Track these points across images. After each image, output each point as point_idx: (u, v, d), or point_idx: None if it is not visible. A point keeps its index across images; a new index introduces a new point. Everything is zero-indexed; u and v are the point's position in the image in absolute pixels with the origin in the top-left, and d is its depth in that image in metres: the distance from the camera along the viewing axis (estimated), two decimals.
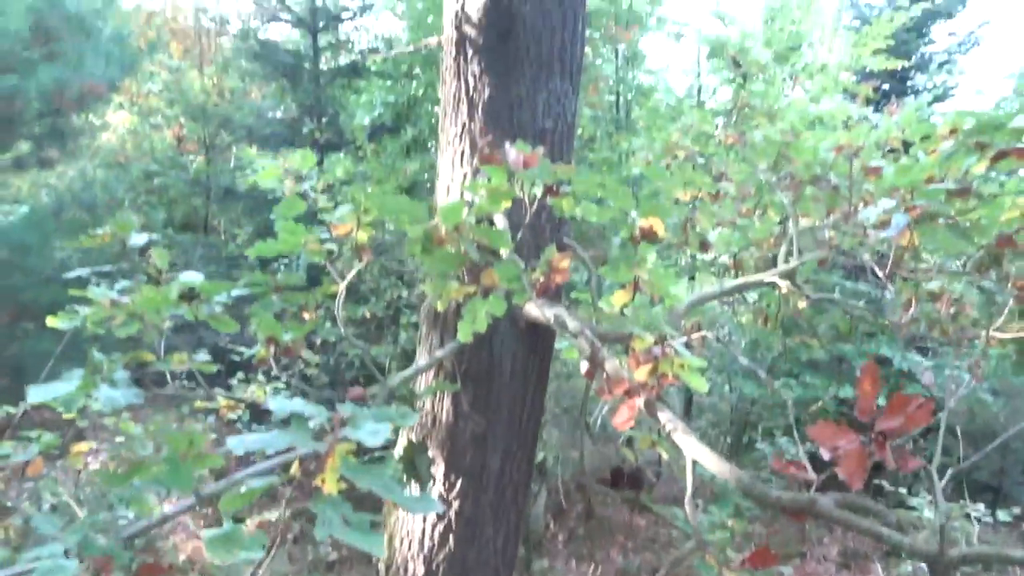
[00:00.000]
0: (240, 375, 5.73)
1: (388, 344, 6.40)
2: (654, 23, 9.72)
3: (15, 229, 6.86)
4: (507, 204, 2.09)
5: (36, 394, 1.95)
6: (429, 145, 9.06)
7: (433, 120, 10.20)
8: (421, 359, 2.95)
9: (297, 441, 1.27)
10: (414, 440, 2.78)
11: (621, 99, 10.14)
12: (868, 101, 10.89)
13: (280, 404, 1.33)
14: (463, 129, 2.65)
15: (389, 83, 10.51)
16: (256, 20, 11.84)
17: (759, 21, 10.60)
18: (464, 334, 2.18)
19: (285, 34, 12.36)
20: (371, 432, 1.32)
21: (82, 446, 3.26)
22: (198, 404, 5.57)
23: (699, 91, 11.65)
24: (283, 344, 2.39)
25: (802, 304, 4.06)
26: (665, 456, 3.48)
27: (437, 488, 2.82)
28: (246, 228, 9.39)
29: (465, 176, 2.65)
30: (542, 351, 2.93)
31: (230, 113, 11.14)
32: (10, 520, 2.22)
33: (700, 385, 2.08)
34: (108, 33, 8.41)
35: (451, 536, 2.87)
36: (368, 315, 6.37)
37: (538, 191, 1.99)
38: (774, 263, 4.15)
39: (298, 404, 1.35)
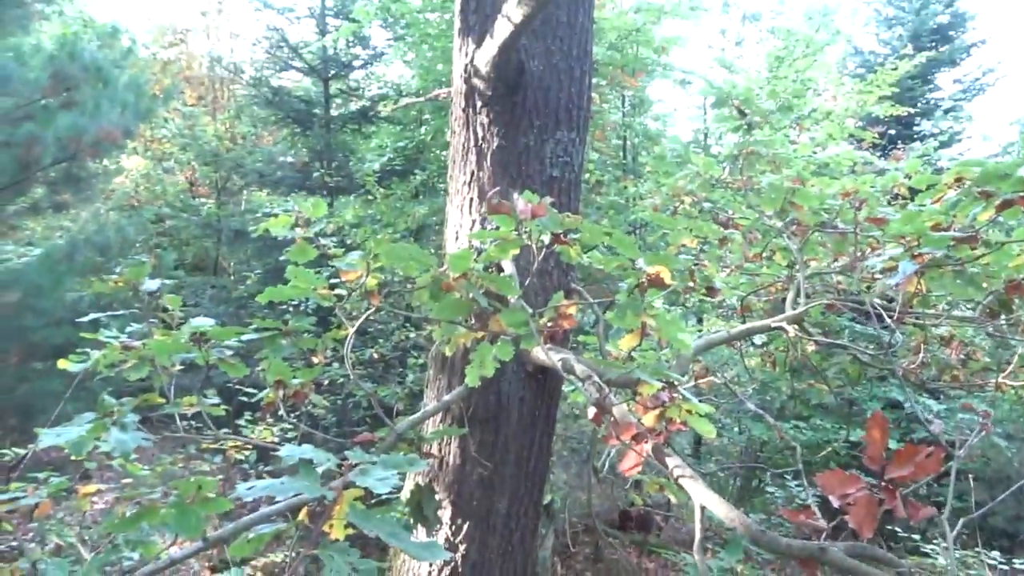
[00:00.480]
0: (247, 415, 5.73)
1: (395, 385, 6.39)
2: (660, 70, 9.87)
3: (29, 271, 6.93)
4: (515, 252, 2.12)
5: (47, 438, 1.98)
6: (438, 188, 9.17)
7: (442, 163, 10.34)
8: (429, 402, 2.96)
9: (305, 488, 1.28)
10: (421, 483, 2.77)
11: (628, 144, 10.25)
12: (875, 146, 10.98)
13: (290, 451, 1.34)
14: (472, 178, 2.69)
15: (398, 128, 10.67)
16: (269, 68, 12.11)
17: (764, 68, 10.76)
18: (472, 379, 2.20)
19: (297, 81, 12.61)
20: (379, 479, 1.33)
21: (89, 488, 3.27)
22: (205, 444, 5.58)
23: (705, 136, 11.78)
24: (292, 388, 2.41)
25: (811, 348, 4.06)
26: (674, 500, 3.45)
27: (444, 531, 2.80)
28: (256, 270, 9.47)
29: (473, 223, 2.69)
30: (549, 395, 2.94)
31: (242, 158, 11.31)
32: (17, 564, 2.21)
33: (708, 431, 2.08)
34: (124, 81, 8.58)
35: None
36: (376, 356, 6.38)
37: (546, 239, 2.02)
38: (782, 307, 4.17)
39: (307, 451, 1.36)
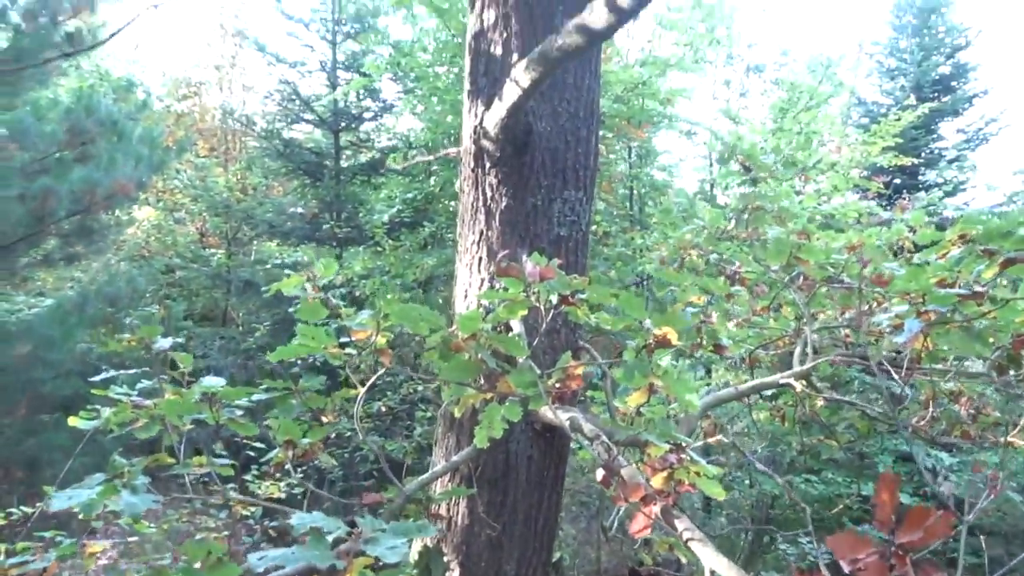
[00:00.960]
0: (254, 470, 5.70)
1: (403, 439, 6.37)
2: (666, 122, 10.01)
3: (40, 323, 6.99)
4: (523, 313, 2.14)
5: (59, 501, 1.98)
6: (446, 239, 9.24)
7: (450, 214, 10.43)
8: (438, 461, 2.95)
9: (316, 557, 1.28)
10: (430, 544, 2.75)
11: (635, 194, 10.35)
12: (880, 196, 11.05)
13: (300, 519, 1.35)
14: (480, 237, 2.73)
15: (407, 180, 10.82)
16: (280, 120, 12.33)
17: (768, 119, 10.91)
18: (481, 440, 2.20)
19: (307, 133, 12.83)
20: (390, 549, 1.33)
21: (95, 547, 3.25)
22: (212, 501, 5.54)
23: (712, 186, 11.88)
24: (301, 448, 2.41)
25: (819, 403, 4.04)
26: (684, 559, 3.41)
27: None
28: (265, 322, 9.51)
29: (482, 282, 2.72)
30: (557, 454, 2.93)
31: (252, 209, 11.46)
32: None
33: (717, 493, 2.07)
34: (138, 134, 8.75)
35: None
36: (384, 409, 6.37)
37: (554, 299, 2.04)
38: (790, 359, 4.16)
39: (317, 518, 1.37)
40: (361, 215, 9.46)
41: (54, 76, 10.01)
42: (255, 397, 2.37)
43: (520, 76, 2.35)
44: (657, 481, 2.11)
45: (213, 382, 2.33)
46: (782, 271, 3.71)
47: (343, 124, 11.28)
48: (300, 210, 11.30)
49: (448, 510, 2.80)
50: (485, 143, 2.65)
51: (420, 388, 6.40)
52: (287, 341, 2.40)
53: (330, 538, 1.36)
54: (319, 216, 10.47)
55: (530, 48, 2.50)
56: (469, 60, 2.87)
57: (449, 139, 9.84)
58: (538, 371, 2.16)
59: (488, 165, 2.68)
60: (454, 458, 2.46)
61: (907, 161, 10.12)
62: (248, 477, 5.50)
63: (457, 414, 2.40)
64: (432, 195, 10.43)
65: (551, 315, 2.40)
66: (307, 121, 11.58)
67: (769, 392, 5.43)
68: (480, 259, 2.73)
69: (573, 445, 3.47)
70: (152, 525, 3.43)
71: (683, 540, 2.06)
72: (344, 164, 11.27)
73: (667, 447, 2.05)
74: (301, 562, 1.26)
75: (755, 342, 4.03)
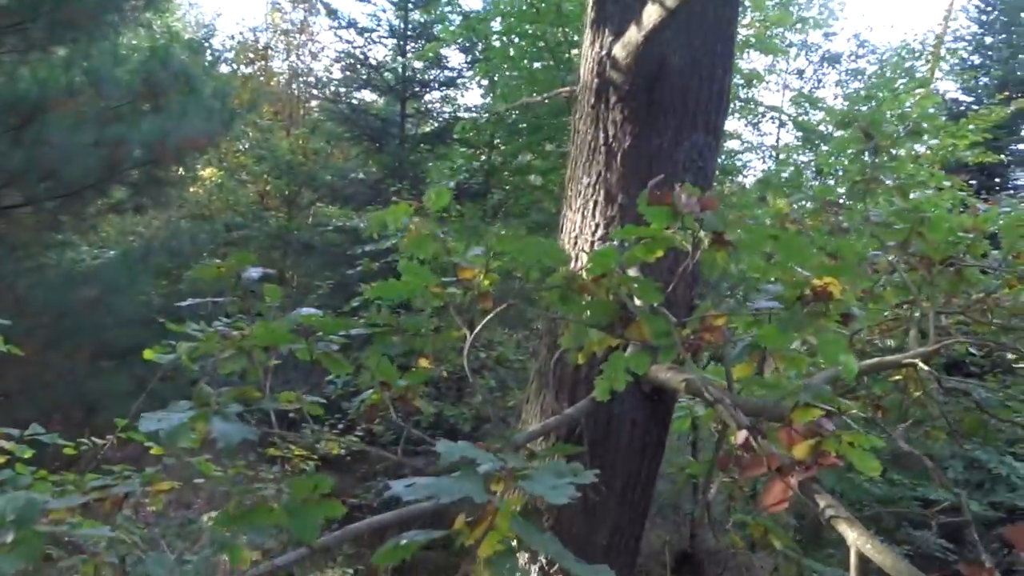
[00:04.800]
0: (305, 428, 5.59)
1: (463, 406, 6.21)
2: (741, 105, 9.68)
3: (107, 269, 6.99)
4: (660, 254, 1.92)
5: (148, 423, 1.82)
6: (511, 211, 9.05)
7: (513, 187, 10.24)
8: (531, 420, 2.75)
9: (471, 491, 1.09)
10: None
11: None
12: (961, 191, 10.53)
13: (448, 447, 1.15)
14: (598, 179, 2.51)
15: (471, 151, 10.66)
16: (346, 86, 12.25)
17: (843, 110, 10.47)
18: (602, 392, 1.99)
19: (372, 100, 12.74)
20: (553, 488, 1.13)
21: (164, 485, 3.13)
22: (271, 451, 5.44)
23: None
24: (398, 390, 2.23)
25: (931, 389, 3.75)
26: (778, 545, 3.16)
27: (539, 561, 2.58)
28: (321, 284, 9.42)
29: (597, 227, 2.50)
30: (661, 421, 2.71)
31: (314, 172, 11.39)
32: (103, 556, 2.08)
33: (873, 467, 1.83)
34: (210, 90, 8.71)
35: None
36: (445, 375, 6.21)
37: (701, 239, 1.81)
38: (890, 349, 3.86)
39: (467, 448, 1.17)
40: (427, 182, 9.29)
41: (130, 29, 10.05)
42: (353, 331, 2.20)
43: None
44: (800, 450, 1.87)
45: (309, 312, 2.16)
46: (897, 249, 3.44)
47: (410, 91, 11.14)
48: (361, 176, 11.20)
49: None
50: (612, 75, 2.42)
51: (483, 355, 6.22)
52: (345, 303, 2.23)
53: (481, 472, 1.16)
54: (381, 182, 10.35)
55: None
56: None
57: (519, 109, 9.65)
58: (673, 319, 1.94)
59: (613, 100, 2.45)
60: (567, 411, 2.26)
61: (995, 158, 9.60)
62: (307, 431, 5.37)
63: (581, 361, 2.19)
64: (494, 167, 10.26)
65: (670, 264, 2.18)
66: (374, 87, 11.47)
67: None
68: (595, 203, 2.51)
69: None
70: (219, 469, 3.30)
71: (825, 517, 1.83)
72: (409, 132, 11.14)
73: (820, 412, 1.82)
74: (455, 494, 1.07)
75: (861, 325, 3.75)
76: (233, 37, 17.79)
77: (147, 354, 2.73)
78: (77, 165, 6.93)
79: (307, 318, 2.13)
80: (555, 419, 2.20)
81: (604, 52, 2.46)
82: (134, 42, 10.96)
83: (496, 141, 10.32)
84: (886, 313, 3.87)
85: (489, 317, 2.07)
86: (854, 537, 1.77)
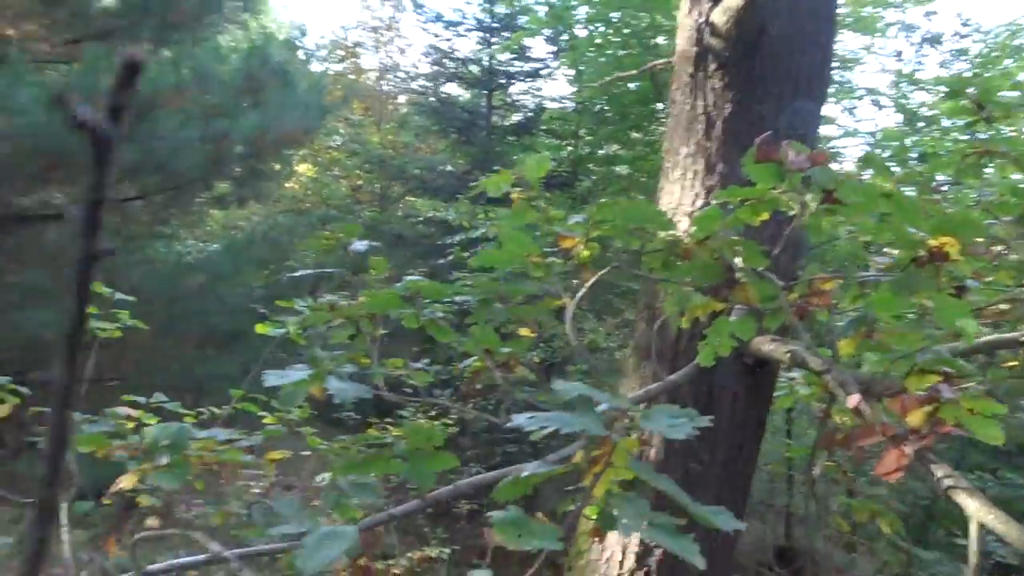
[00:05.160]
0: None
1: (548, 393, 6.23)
2: (837, 88, 9.35)
3: (213, 259, 7.34)
4: (765, 216, 1.90)
5: (272, 378, 1.92)
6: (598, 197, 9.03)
7: (599, 178, 10.22)
8: (630, 393, 2.76)
9: (590, 425, 1.11)
10: None
11: None
12: None
13: (566, 386, 1.18)
14: (697, 149, 2.49)
15: (556, 142, 10.69)
16: (433, 80, 12.46)
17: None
18: (706, 357, 1.99)
19: (458, 95, 12.92)
20: (671, 426, 1.15)
21: (275, 454, 3.28)
22: (371, 431, 5.60)
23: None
24: (500, 357, 2.28)
25: None
26: (886, 530, 3.06)
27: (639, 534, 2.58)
28: (414, 272, 9.62)
29: (696, 197, 2.49)
30: (763, 396, 2.68)
31: (404, 165, 11.64)
32: (229, 506, 2.22)
33: (995, 436, 1.76)
34: (305, 85, 9.02)
35: None
36: (536, 361, 6.26)
37: (807, 202, 1.78)
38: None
39: (582, 387, 1.20)
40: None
41: (229, 29, 10.49)
42: (459, 298, 2.26)
43: None
44: (915, 418, 1.82)
45: (417, 279, 2.23)
46: (1013, 224, 3.27)
47: (496, 84, 11.25)
48: (449, 168, 11.38)
49: (642, 440, 2.61)
50: (712, 41, 2.40)
51: (563, 345, 6.23)
52: None
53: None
54: (469, 174, 10.50)
55: None
56: None
57: (605, 100, 9.61)
58: (780, 283, 1.92)
59: (712, 68, 2.43)
60: (670, 377, 2.26)
61: None
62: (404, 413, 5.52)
63: (684, 325, 2.19)
64: (580, 158, 10.25)
65: (771, 229, 2.15)
66: (461, 79, 11.63)
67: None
68: (695, 172, 2.49)
69: None
70: (326, 443, 3.44)
71: (943, 488, 1.77)
72: (495, 123, 11.26)
73: (938, 377, 1.76)
74: (575, 427, 1.10)
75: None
76: (324, 36, 18.36)
77: (260, 328, 2.87)
78: (185, 159, 7.30)
79: (413, 284, 2.20)
80: (657, 385, 2.20)
81: (703, 19, 2.44)
82: (231, 43, 11.46)
83: (582, 131, 10.33)
84: (1001, 295, 3.69)
85: (593, 281, 2.09)
86: (975, 507, 1.71)
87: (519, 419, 1.12)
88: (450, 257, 7.88)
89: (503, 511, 1.08)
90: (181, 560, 1.36)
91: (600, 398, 1.18)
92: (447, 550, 5.01)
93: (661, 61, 2.88)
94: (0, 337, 6.17)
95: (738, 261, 1.87)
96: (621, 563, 2.64)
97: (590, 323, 6.93)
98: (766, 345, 2.27)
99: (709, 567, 2.60)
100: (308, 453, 3.49)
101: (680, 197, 2.56)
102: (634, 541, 2.62)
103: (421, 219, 9.86)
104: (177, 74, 7.18)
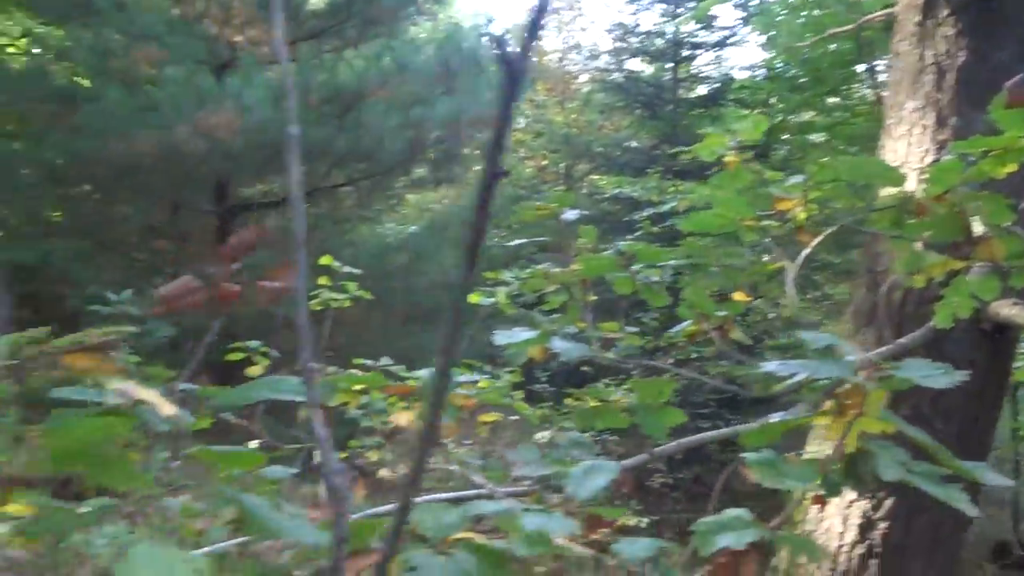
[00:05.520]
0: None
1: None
2: None
3: (416, 237, 7.80)
4: (1013, 167, 1.77)
5: (501, 337, 2.06)
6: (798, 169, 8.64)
7: (790, 148, 9.76)
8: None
9: (842, 370, 1.12)
10: None
11: None
12: None
13: (814, 336, 1.19)
14: (927, 101, 2.35)
15: (747, 112, 10.30)
16: (617, 56, 12.39)
17: None
18: (943, 318, 1.89)
19: (641, 70, 12.77)
20: (927, 375, 1.13)
21: (488, 416, 3.47)
22: (570, 400, 5.75)
23: None
24: (715, 320, 2.29)
25: None
26: None
27: (862, 503, 2.50)
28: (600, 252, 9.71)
29: (926, 152, 2.35)
30: (1001, 366, 2.49)
31: (589, 144, 11.71)
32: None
33: None
34: (493, 71, 9.32)
35: (872, 564, 2.52)
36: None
37: None
38: None
39: (830, 338, 1.20)
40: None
41: (421, 21, 11.02)
42: (672, 262, 2.29)
43: None
44: None
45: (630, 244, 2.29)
46: None
47: (681, 56, 11.02)
48: (635, 144, 11.31)
49: None
50: None
51: (771, 315, 6.04)
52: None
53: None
54: (655, 148, 10.39)
55: None
56: None
57: (799, 66, 9.13)
58: None
59: (944, 14, 2.28)
60: (900, 340, 2.17)
61: None
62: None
63: (919, 285, 2.09)
64: (770, 128, 9.80)
65: None
66: (646, 53, 11.49)
67: None
68: (924, 127, 2.35)
69: None
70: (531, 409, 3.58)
71: None
72: (681, 97, 11.04)
73: None
74: (828, 374, 1.11)
75: None
76: (510, 22, 18.76)
77: (473, 298, 3.05)
78: (388, 146, 7.81)
79: (629, 247, 2.26)
80: (886, 348, 2.12)
81: None
82: (422, 35, 12.03)
83: (773, 100, 9.89)
84: None
85: (816, 242, 2.05)
86: None
87: (770, 365, 1.15)
88: (638, 234, 7.86)
89: (756, 453, 1.11)
90: (450, 495, 1.50)
91: (847, 348, 1.18)
92: (645, 520, 5.06)
93: (880, 13, 2.72)
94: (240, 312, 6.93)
95: (978, 217, 1.75)
96: (841, 534, 2.56)
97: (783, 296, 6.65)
98: (1006, 309, 2.12)
99: (933, 558, 2.49)
100: (513, 418, 3.67)
101: (906, 154, 2.43)
102: (855, 513, 2.53)
103: (607, 196, 9.89)
104: (380, 66, 7.67)
